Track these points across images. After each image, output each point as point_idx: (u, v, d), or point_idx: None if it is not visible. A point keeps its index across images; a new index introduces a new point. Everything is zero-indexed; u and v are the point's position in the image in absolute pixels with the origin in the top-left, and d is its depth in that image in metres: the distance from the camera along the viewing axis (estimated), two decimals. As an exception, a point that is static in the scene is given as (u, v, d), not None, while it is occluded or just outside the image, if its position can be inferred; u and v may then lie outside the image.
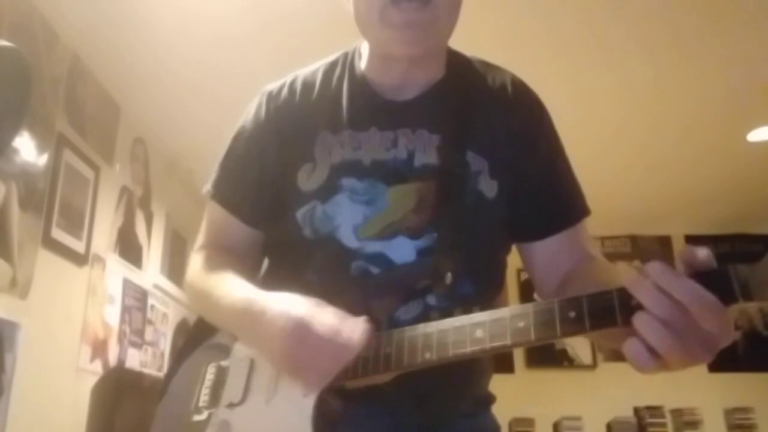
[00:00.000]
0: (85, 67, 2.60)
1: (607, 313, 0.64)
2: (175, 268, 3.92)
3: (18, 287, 2.06)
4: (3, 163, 1.99)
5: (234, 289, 0.89)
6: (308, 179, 0.93)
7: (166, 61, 2.66)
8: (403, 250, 0.87)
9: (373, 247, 0.87)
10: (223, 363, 0.92)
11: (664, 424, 4.20)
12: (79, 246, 2.49)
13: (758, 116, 3.28)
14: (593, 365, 4.48)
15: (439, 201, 0.88)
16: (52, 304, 2.28)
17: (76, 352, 2.44)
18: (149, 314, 3.21)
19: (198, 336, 1.01)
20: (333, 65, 1.02)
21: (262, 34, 2.50)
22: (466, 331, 0.71)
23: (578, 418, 4.16)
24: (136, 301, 3.04)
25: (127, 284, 2.95)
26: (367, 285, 0.86)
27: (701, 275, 0.60)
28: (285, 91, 1.01)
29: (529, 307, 0.68)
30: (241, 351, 0.91)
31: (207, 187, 1.04)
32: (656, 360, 0.62)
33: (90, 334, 2.55)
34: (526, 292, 4.62)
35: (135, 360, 3.00)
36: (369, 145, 0.92)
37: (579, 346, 4.54)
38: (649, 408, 4.20)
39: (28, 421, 2.08)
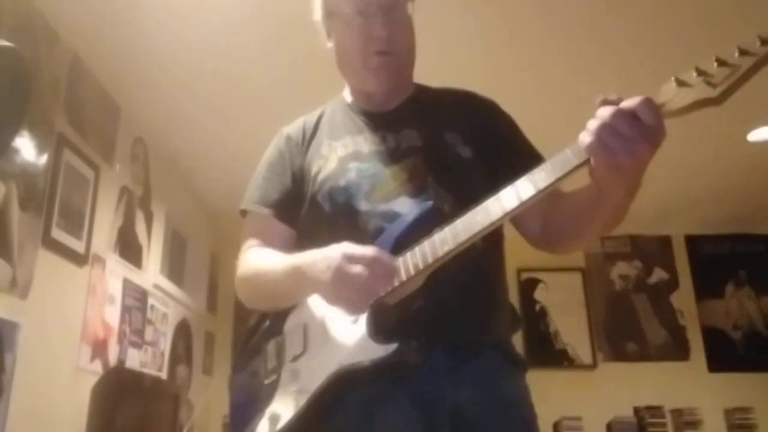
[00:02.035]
0: (85, 67, 2.60)
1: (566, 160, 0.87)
2: (175, 268, 3.92)
3: (18, 287, 2.06)
4: (3, 163, 1.99)
5: (285, 257, 1.09)
6: (322, 170, 1.17)
7: (166, 61, 2.66)
8: (407, 206, 1.07)
9: (382, 207, 1.08)
10: (278, 338, 1.11)
11: (664, 424, 4.19)
12: (79, 246, 2.49)
13: (758, 116, 3.28)
14: (593, 365, 4.48)
15: (427, 165, 1.12)
16: (52, 304, 2.28)
17: (76, 352, 2.44)
18: (149, 314, 3.21)
19: (252, 332, 1.20)
20: (328, 106, 1.31)
21: (264, 33, 2.50)
22: (470, 220, 0.93)
23: (578, 418, 4.16)
24: (136, 301, 3.04)
25: (127, 284, 2.95)
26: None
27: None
28: (295, 126, 1.29)
29: (508, 186, 0.92)
30: (292, 323, 1.10)
31: (243, 204, 1.25)
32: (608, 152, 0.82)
33: (90, 334, 2.55)
34: (526, 292, 4.63)
35: (135, 360, 3.00)
36: (365, 143, 1.18)
37: (579, 346, 4.55)
38: (649, 408, 4.20)
39: (28, 421, 2.08)
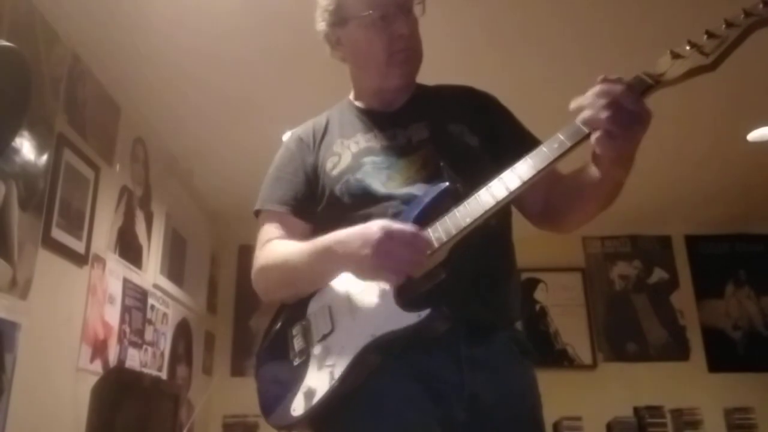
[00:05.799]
0: (85, 67, 2.60)
1: (578, 131, 0.95)
2: (175, 268, 3.92)
3: (18, 287, 2.06)
4: (3, 163, 1.99)
5: (309, 242, 1.11)
6: (337, 166, 1.20)
7: (166, 61, 2.66)
8: (424, 190, 1.10)
9: (401, 191, 1.13)
10: (303, 322, 1.13)
11: (664, 424, 4.19)
12: (79, 246, 2.49)
13: (758, 116, 3.28)
14: (593, 365, 4.49)
15: (439, 153, 1.16)
16: (52, 304, 2.28)
17: (76, 352, 2.44)
18: (149, 314, 3.22)
19: (273, 323, 1.21)
20: (333, 110, 1.34)
21: (263, 33, 2.50)
22: (484, 196, 0.99)
23: (578, 418, 4.16)
24: (136, 301, 3.05)
25: (127, 284, 2.95)
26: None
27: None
28: (305, 128, 1.32)
29: (524, 159, 0.99)
30: (314, 308, 1.12)
31: (258, 204, 1.27)
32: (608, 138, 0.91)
33: (90, 334, 2.55)
34: (526, 292, 4.63)
35: (135, 360, 3.00)
36: (376, 140, 1.22)
37: (579, 346, 4.55)
38: (649, 408, 4.20)
39: (28, 421, 2.08)
